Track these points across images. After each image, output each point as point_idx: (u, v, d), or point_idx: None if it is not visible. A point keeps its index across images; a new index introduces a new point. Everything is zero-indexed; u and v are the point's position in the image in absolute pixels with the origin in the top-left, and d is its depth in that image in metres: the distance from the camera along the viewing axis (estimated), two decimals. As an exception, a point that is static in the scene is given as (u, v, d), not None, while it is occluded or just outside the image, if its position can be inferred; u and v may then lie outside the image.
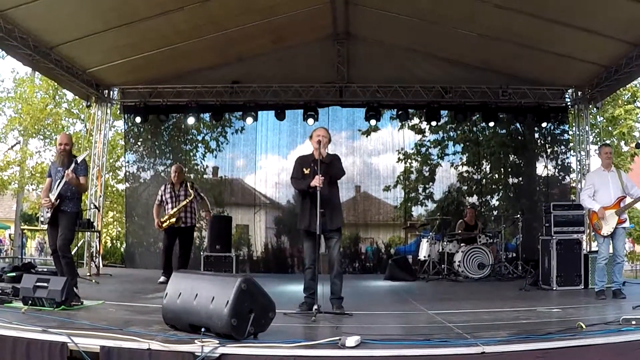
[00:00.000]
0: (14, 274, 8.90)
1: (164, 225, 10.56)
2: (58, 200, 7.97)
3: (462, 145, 16.07)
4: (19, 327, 4.89)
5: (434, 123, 15.04)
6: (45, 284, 6.32)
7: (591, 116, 16.52)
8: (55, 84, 18.20)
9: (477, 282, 11.87)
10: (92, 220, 13.09)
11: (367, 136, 15.61)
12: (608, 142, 17.52)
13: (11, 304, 6.51)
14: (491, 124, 14.63)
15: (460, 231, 13.11)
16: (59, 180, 8.03)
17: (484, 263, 12.17)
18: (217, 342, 4.52)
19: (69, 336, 4.59)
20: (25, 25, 10.47)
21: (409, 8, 11.93)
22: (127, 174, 16.31)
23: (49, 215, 8.02)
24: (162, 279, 10.14)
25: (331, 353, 4.47)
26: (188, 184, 10.89)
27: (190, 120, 14.46)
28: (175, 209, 10.51)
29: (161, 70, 13.69)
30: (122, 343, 4.52)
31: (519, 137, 15.70)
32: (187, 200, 10.59)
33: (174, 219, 10.49)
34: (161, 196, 10.82)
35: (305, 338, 4.93)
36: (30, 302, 6.26)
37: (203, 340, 4.52)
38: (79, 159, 8.25)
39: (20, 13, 9.94)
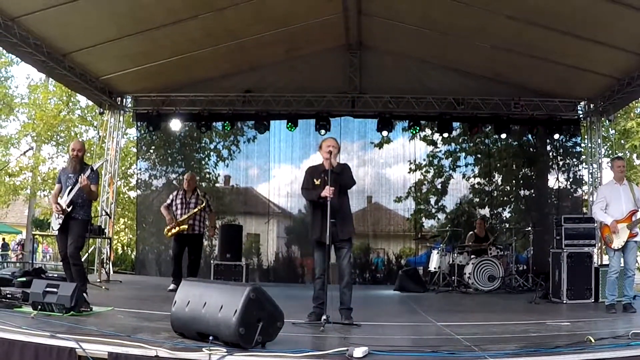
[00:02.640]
0: (24, 278, 8.93)
1: (172, 232, 10.56)
2: (71, 207, 8.02)
3: (474, 157, 16.00)
4: (28, 332, 4.90)
5: (445, 134, 15.03)
6: (55, 290, 6.32)
7: (603, 129, 16.40)
8: (69, 90, 18.35)
9: (487, 294, 11.79)
10: (103, 227, 13.14)
11: (379, 149, 15.58)
12: (621, 155, 17.40)
13: (21, 309, 6.53)
14: (503, 135, 14.60)
15: (470, 243, 13.08)
16: (70, 187, 8.09)
17: (494, 275, 12.09)
18: (225, 350, 4.51)
19: (77, 342, 4.60)
20: (40, 32, 10.56)
21: (422, 19, 11.96)
22: (139, 181, 16.35)
23: (60, 221, 8.07)
24: (171, 286, 10.14)
25: (339, 364, 4.46)
26: (200, 193, 10.88)
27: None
28: (185, 216, 10.51)
29: (174, 79, 13.76)
30: (130, 350, 4.52)
31: (531, 149, 15.61)
32: (198, 209, 10.59)
33: (185, 226, 10.49)
34: (172, 200, 10.82)
35: (313, 348, 4.92)
36: (39, 307, 6.27)
37: (211, 348, 4.51)
38: (95, 167, 8.30)
39: (34, 20, 10.03)
